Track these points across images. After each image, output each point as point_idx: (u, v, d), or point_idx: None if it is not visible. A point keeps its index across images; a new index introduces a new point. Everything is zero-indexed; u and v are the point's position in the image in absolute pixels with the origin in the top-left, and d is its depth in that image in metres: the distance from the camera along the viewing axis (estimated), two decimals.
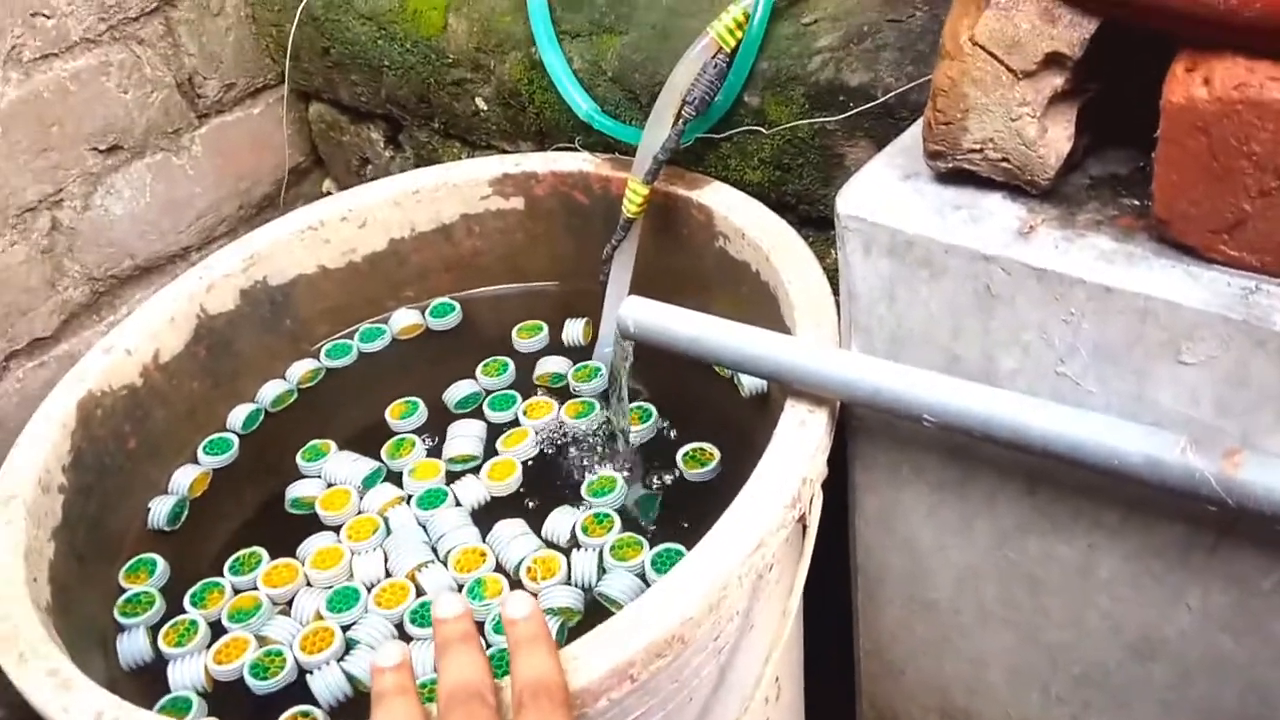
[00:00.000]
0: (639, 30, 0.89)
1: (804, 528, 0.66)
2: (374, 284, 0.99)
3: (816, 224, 0.86)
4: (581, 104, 0.91)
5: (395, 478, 0.84)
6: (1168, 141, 0.52)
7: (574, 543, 0.76)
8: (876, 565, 0.78)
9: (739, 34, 0.80)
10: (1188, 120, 0.50)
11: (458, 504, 0.80)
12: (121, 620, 0.75)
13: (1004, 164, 0.58)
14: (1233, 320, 0.52)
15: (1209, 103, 0.49)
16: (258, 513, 0.85)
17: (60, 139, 1.00)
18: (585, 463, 0.83)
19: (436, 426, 0.88)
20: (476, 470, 0.83)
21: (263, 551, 0.79)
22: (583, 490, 0.80)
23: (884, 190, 0.63)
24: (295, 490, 0.84)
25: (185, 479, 0.86)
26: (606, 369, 0.90)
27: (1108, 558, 0.65)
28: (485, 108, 1.01)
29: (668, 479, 0.81)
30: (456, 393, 0.90)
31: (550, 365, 0.92)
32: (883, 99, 0.76)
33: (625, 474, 0.80)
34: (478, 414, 0.88)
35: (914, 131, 0.67)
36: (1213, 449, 0.53)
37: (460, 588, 0.74)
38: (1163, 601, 0.64)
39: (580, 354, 0.93)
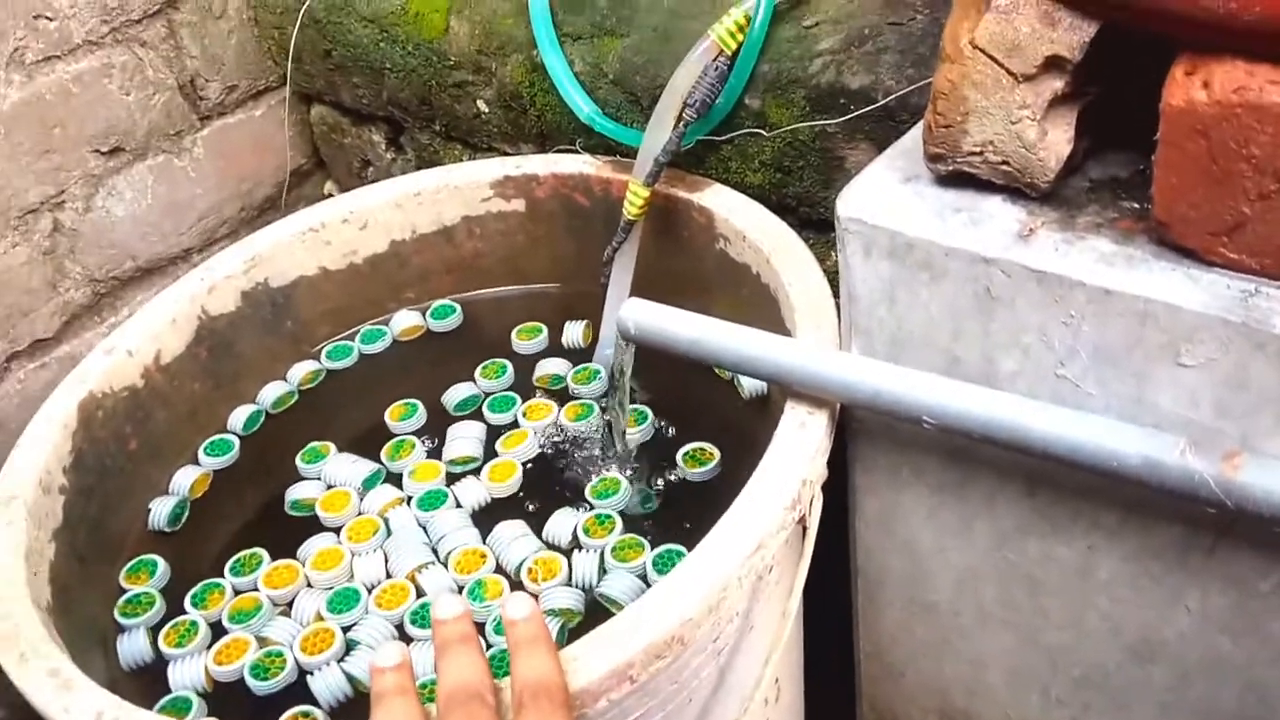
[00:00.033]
0: (640, 33, 0.89)
1: (804, 529, 0.66)
2: (375, 286, 0.99)
3: (817, 226, 0.86)
4: (583, 106, 0.91)
5: (395, 479, 0.84)
6: (1167, 145, 0.52)
7: (575, 544, 0.76)
8: (876, 567, 0.78)
9: (740, 37, 0.80)
10: (1187, 123, 0.50)
11: (458, 505, 0.81)
12: (122, 621, 0.76)
13: (1004, 167, 0.58)
14: (1232, 323, 0.52)
15: (1208, 106, 0.49)
16: (258, 514, 0.85)
17: (62, 141, 1.00)
18: (585, 465, 0.83)
19: (436, 428, 0.88)
20: (477, 472, 0.83)
21: (263, 552, 0.79)
22: (586, 492, 0.80)
23: (884, 193, 0.63)
24: (295, 492, 0.84)
25: (186, 480, 0.86)
26: (607, 371, 0.90)
27: (1107, 559, 0.65)
28: (486, 110, 1.01)
29: (668, 480, 0.81)
30: (455, 395, 0.90)
31: (550, 367, 0.92)
32: (883, 102, 0.76)
33: (628, 476, 0.81)
34: (477, 416, 0.88)
35: (914, 134, 0.67)
36: (1212, 451, 0.53)
37: (460, 589, 0.74)
38: (1162, 603, 0.64)
39: (580, 356, 0.93)
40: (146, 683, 0.72)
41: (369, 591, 0.75)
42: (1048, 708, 0.76)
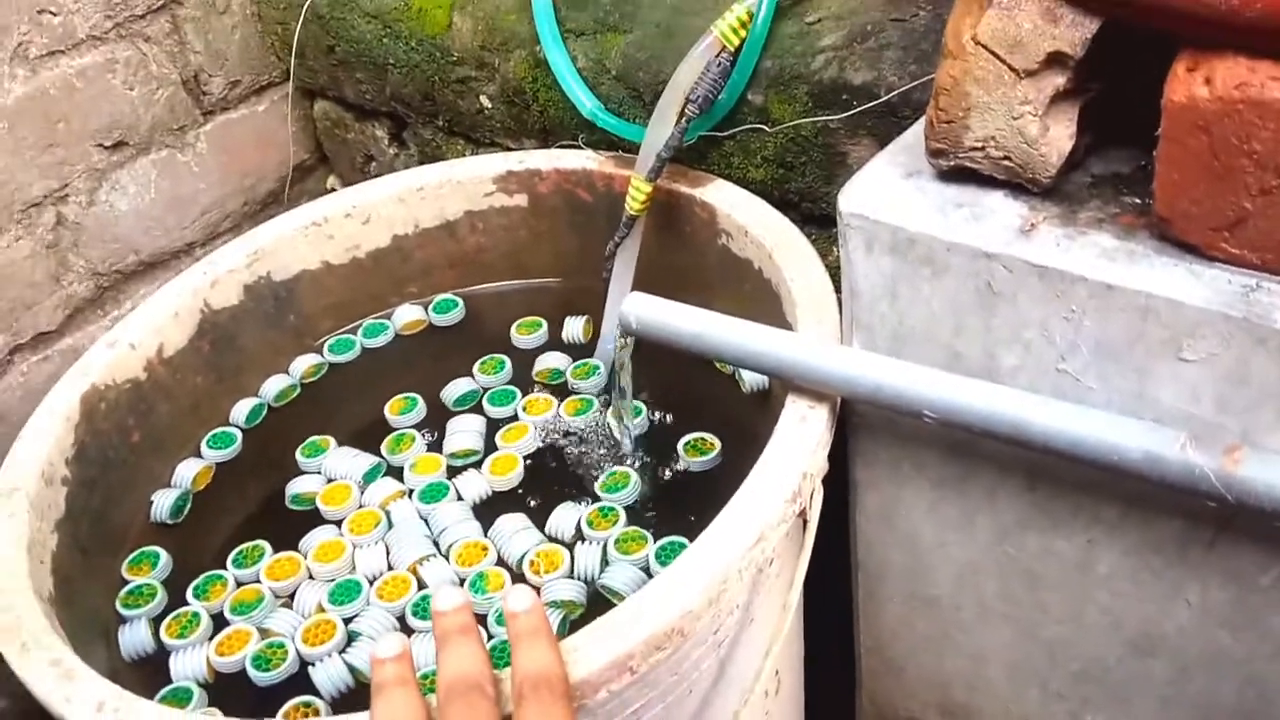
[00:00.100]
0: (643, 29, 0.89)
1: (804, 523, 0.66)
2: (378, 280, 0.99)
3: (819, 222, 0.86)
4: (585, 102, 0.91)
5: (396, 473, 0.84)
6: (1169, 140, 0.52)
7: (578, 537, 0.76)
8: (877, 561, 0.78)
9: (743, 33, 0.80)
10: (1189, 119, 0.51)
11: (459, 498, 0.81)
12: (123, 612, 0.76)
13: (1006, 162, 0.58)
14: (1233, 318, 0.52)
15: (1210, 102, 0.49)
16: (260, 507, 0.85)
17: (66, 135, 1.00)
18: (586, 459, 0.83)
19: (436, 422, 0.88)
20: (478, 465, 0.83)
21: (265, 545, 0.79)
22: (596, 487, 0.80)
23: (886, 188, 0.63)
24: (295, 486, 0.84)
25: (188, 472, 0.86)
26: (607, 366, 0.90)
27: (1107, 554, 0.65)
28: (489, 105, 1.01)
29: (672, 471, 0.81)
30: (454, 390, 0.90)
31: (549, 361, 0.92)
32: (885, 98, 0.76)
33: (636, 469, 0.81)
34: (477, 410, 0.89)
35: (916, 130, 0.67)
36: (1213, 446, 0.53)
37: (462, 581, 0.74)
38: (1161, 597, 0.64)
39: (580, 351, 0.93)
40: (148, 673, 0.73)
41: (370, 583, 0.75)
42: (1047, 702, 0.76)
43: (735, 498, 0.63)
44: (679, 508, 0.78)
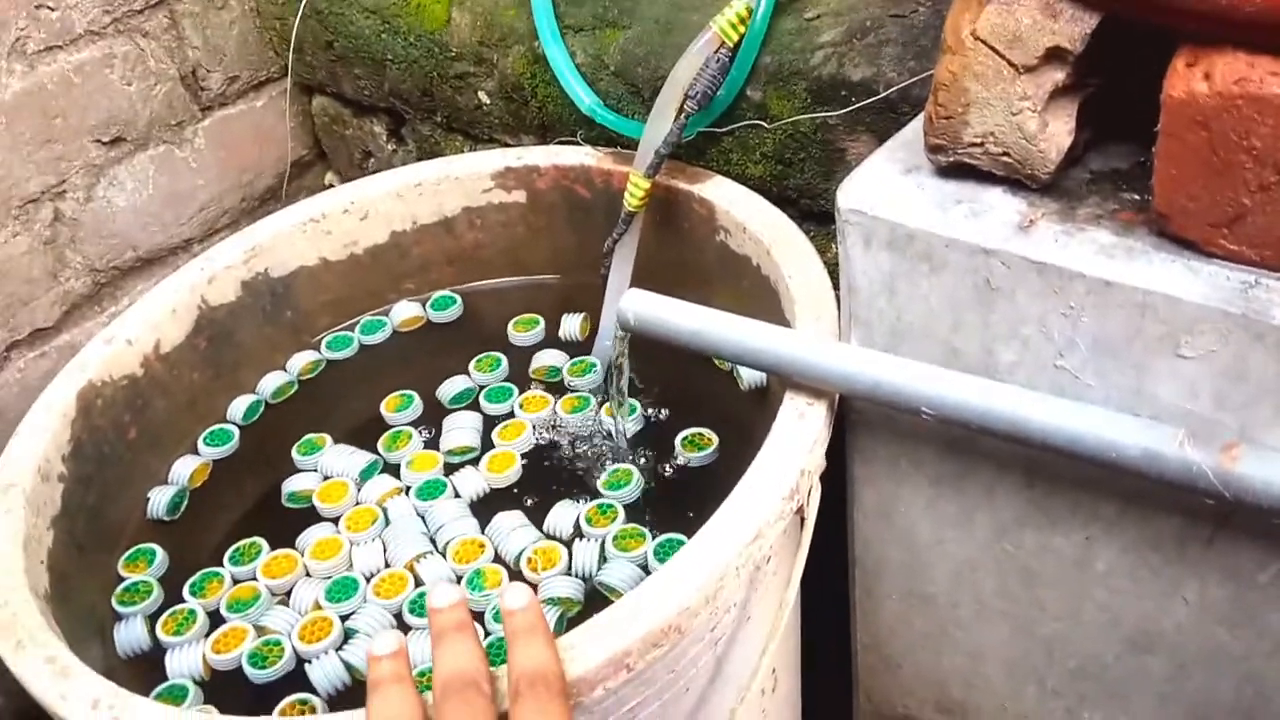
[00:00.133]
0: (642, 25, 0.89)
1: (802, 520, 0.66)
2: (375, 276, 0.99)
3: (818, 218, 0.86)
4: (584, 98, 0.91)
5: (392, 470, 0.84)
6: (1168, 136, 0.52)
7: (576, 535, 0.76)
8: (874, 558, 0.78)
9: (742, 29, 0.80)
10: (1188, 115, 0.50)
11: (456, 495, 0.81)
12: (119, 609, 0.76)
13: (1004, 158, 0.58)
14: (1232, 314, 0.52)
15: (1209, 97, 0.49)
16: (257, 504, 0.85)
17: (63, 130, 1.00)
18: (583, 456, 0.83)
19: (432, 420, 0.88)
20: (475, 462, 0.83)
21: (262, 542, 0.79)
22: (598, 484, 0.80)
23: (885, 184, 0.63)
24: (291, 484, 0.84)
25: (185, 469, 0.86)
26: (604, 363, 0.90)
27: (1105, 551, 0.65)
28: (488, 101, 1.01)
29: (670, 468, 0.81)
30: (451, 388, 0.90)
31: (546, 359, 0.92)
32: (885, 94, 0.76)
33: (640, 466, 0.80)
34: (474, 407, 0.89)
35: (915, 126, 0.67)
36: (1211, 442, 0.53)
37: (459, 579, 0.74)
38: (1159, 594, 0.64)
39: (577, 349, 0.93)
40: (143, 670, 0.72)
41: (367, 581, 0.75)
42: (1044, 699, 0.76)
43: (733, 495, 0.63)
44: (678, 505, 0.78)
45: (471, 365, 0.92)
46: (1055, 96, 0.56)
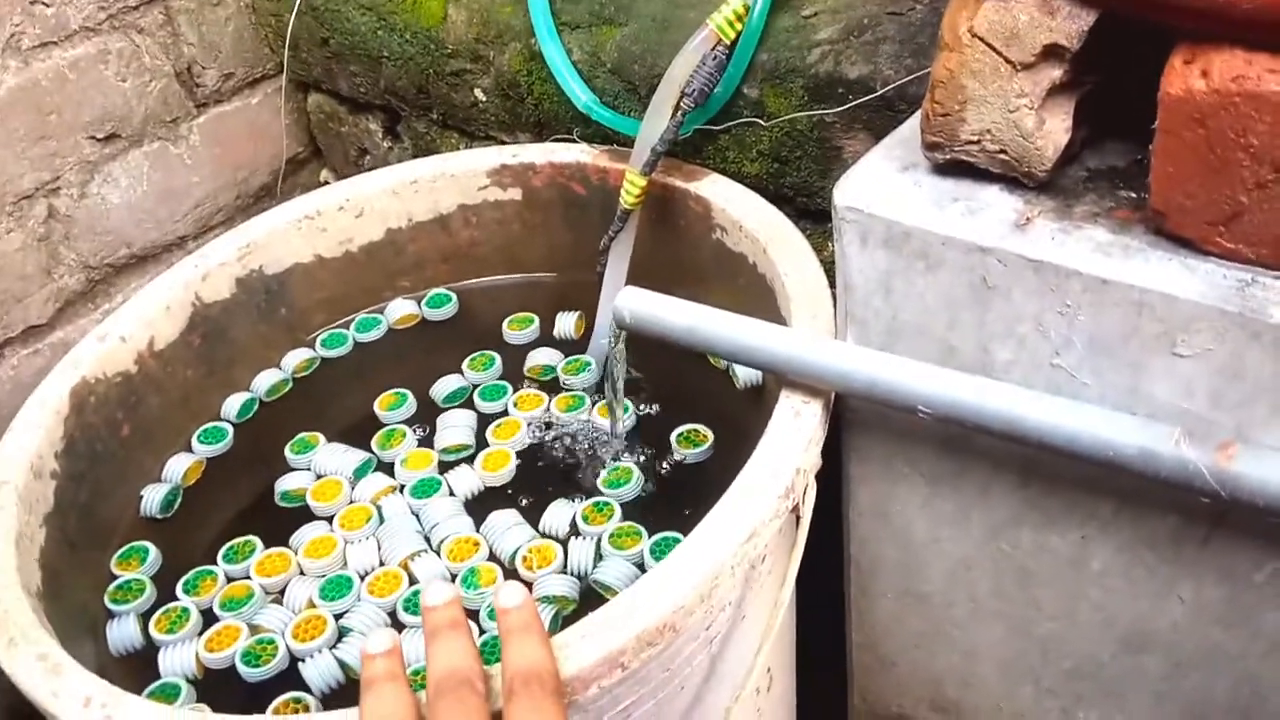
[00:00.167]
0: (638, 22, 0.89)
1: (797, 518, 0.66)
2: (370, 274, 0.99)
3: (814, 216, 0.86)
4: (580, 95, 0.91)
5: (386, 468, 0.84)
6: (1165, 133, 0.51)
7: (572, 533, 0.76)
8: (870, 558, 0.78)
9: (739, 26, 0.80)
10: (1185, 112, 0.50)
11: (451, 494, 0.80)
12: (112, 607, 0.75)
13: (1001, 156, 0.58)
14: (1228, 313, 0.52)
15: (1207, 95, 0.49)
16: (251, 502, 0.84)
17: (58, 127, 1.00)
18: (578, 455, 0.83)
19: (426, 418, 0.88)
20: (470, 460, 0.83)
21: (256, 540, 0.79)
22: (599, 482, 0.79)
23: (881, 182, 0.63)
24: (285, 483, 0.83)
25: (179, 467, 0.86)
26: (600, 361, 0.89)
27: (1100, 550, 0.65)
28: (484, 99, 1.01)
29: (667, 466, 0.81)
30: (444, 388, 0.90)
31: (541, 358, 0.91)
32: (882, 92, 0.76)
33: (637, 464, 0.80)
34: (468, 405, 0.88)
35: (912, 124, 0.67)
36: (1207, 441, 0.53)
37: (453, 577, 0.74)
38: (1155, 594, 0.64)
39: (571, 347, 0.93)
40: (136, 668, 0.72)
41: (362, 579, 0.75)
42: (1040, 698, 0.76)
43: (728, 493, 0.62)
44: (675, 503, 0.77)
45: (465, 364, 0.92)
46: (1052, 94, 0.56)
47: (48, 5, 0.96)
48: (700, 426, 0.82)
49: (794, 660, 0.84)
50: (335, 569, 0.76)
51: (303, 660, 0.70)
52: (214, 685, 0.71)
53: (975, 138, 0.58)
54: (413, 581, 0.74)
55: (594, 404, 0.86)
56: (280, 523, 0.80)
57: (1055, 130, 0.57)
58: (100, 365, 0.83)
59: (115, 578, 0.77)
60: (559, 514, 0.77)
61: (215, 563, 0.78)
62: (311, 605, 0.74)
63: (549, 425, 0.86)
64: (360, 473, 0.83)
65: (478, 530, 0.77)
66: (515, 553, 0.74)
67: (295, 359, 0.95)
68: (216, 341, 0.92)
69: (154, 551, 0.79)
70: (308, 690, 0.69)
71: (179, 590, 0.76)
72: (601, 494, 0.78)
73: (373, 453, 0.85)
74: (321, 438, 0.87)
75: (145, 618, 0.75)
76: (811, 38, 0.80)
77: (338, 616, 0.73)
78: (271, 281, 0.94)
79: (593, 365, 0.90)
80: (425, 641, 0.55)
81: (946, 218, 0.59)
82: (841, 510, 0.78)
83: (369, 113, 1.16)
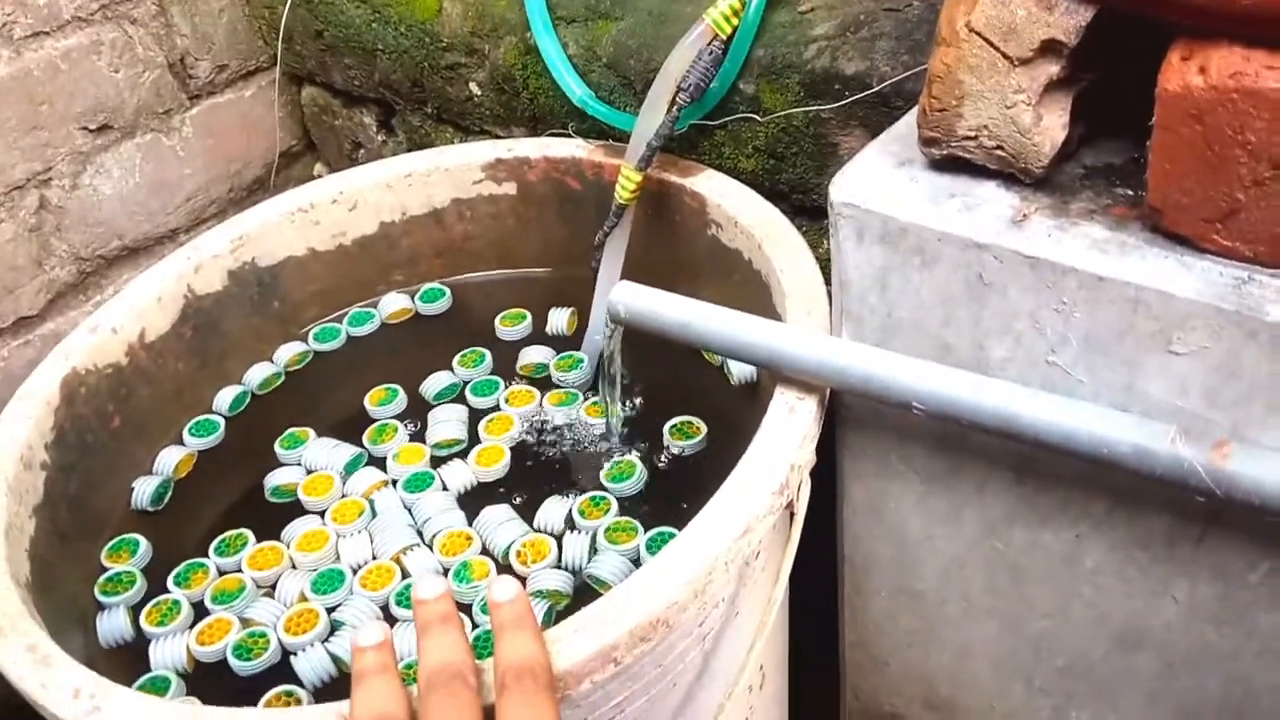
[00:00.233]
0: (635, 16, 0.88)
1: (791, 515, 0.66)
2: (364, 267, 0.98)
3: (810, 213, 0.86)
4: (576, 90, 0.91)
5: (378, 463, 0.83)
6: (1162, 129, 0.51)
7: (566, 529, 0.76)
8: (863, 555, 0.78)
9: (735, 21, 0.79)
10: (1183, 108, 0.50)
11: (444, 488, 0.80)
12: (102, 599, 0.75)
13: (998, 151, 0.58)
14: (1225, 310, 0.51)
15: (1204, 91, 0.49)
16: (243, 496, 0.84)
17: (50, 117, 0.99)
18: (571, 450, 0.83)
19: (416, 414, 0.87)
20: (463, 455, 0.82)
21: (249, 533, 0.79)
22: (601, 476, 0.79)
23: (878, 177, 0.62)
24: (275, 479, 0.83)
25: (170, 460, 0.85)
26: (593, 357, 0.89)
27: (1094, 548, 0.65)
28: (479, 92, 1.00)
29: (663, 459, 0.80)
30: (434, 385, 0.89)
31: (533, 355, 0.91)
32: (878, 88, 0.75)
33: (639, 458, 0.80)
34: (459, 401, 0.88)
35: (909, 120, 0.66)
36: (1202, 440, 0.53)
37: (446, 571, 0.74)
38: (1148, 593, 0.64)
39: (563, 344, 0.92)
40: (126, 661, 0.72)
41: (354, 573, 0.75)
42: (1032, 697, 0.76)
43: (722, 489, 0.62)
44: (671, 499, 0.77)
45: (455, 361, 0.91)
46: (1050, 90, 0.56)
47: None
48: (693, 418, 0.81)
49: (787, 658, 0.84)
50: (327, 563, 0.76)
51: (295, 654, 0.70)
52: (204, 679, 0.71)
53: (972, 133, 0.58)
54: (405, 575, 0.74)
55: (585, 400, 0.86)
56: (272, 516, 0.80)
57: (1052, 126, 0.57)
58: (91, 356, 0.82)
59: (105, 570, 0.77)
60: (553, 510, 0.77)
61: (207, 556, 0.77)
62: (303, 599, 0.74)
63: (542, 421, 0.85)
64: (351, 467, 0.83)
65: (470, 525, 0.77)
66: (509, 548, 0.74)
67: (288, 352, 0.95)
68: (208, 334, 0.91)
69: (144, 544, 0.79)
70: (300, 684, 0.69)
71: (170, 583, 0.76)
72: (604, 488, 0.78)
73: (364, 448, 0.84)
74: (311, 433, 0.86)
75: (135, 610, 0.74)
76: (808, 33, 0.79)
77: (330, 610, 0.72)
78: (264, 274, 0.94)
79: (585, 362, 0.89)
80: (417, 635, 0.54)
81: (943, 213, 0.59)
82: (835, 508, 0.78)
83: (363, 106, 1.15)
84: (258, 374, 0.93)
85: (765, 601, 0.67)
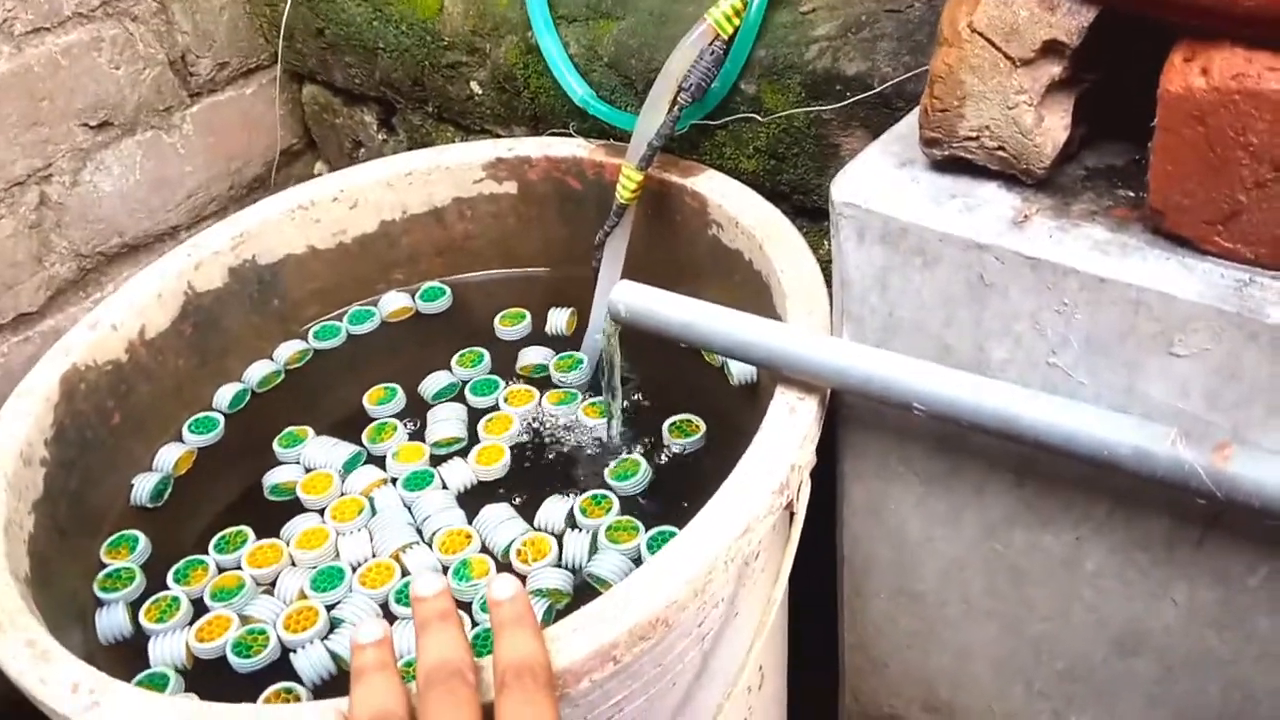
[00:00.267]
0: (636, 16, 0.88)
1: (791, 515, 0.66)
2: (364, 266, 0.98)
3: (810, 214, 0.86)
4: (577, 89, 0.91)
5: (377, 462, 0.83)
6: (1164, 131, 0.51)
7: (567, 528, 0.76)
8: (863, 556, 0.78)
9: (736, 21, 0.79)
10: (1185, 110, 0.50)
11: (444, 487, 0.80)
12: (101, 595, 0.75)
13: (1000, 152, 0.58)
14: (1226, 312, 0.51)
15: (1206, 92, 0.49)
16: (242, 493, 0.84)
17: (50, 114, 0.99)
18: (571, 450, 0.83)
19: (415, 413, 0.87)
20: (463, 453, 0.82)
21: (248, 530, 0.79)
22: (606, 474, 0.79)
23: (879, 177, 0.62)
24: (274, 477, 0.83)
25: (170, 457, 0.85)
26: (593, 357, 0.89)
27: (1094, 551, 0.65)
28: (480, 91, 1.00)
29: (664, 458, 0.80)
30: (433, 384, 0.89)
31: (532, 355, 0.91)
32: (879, 88, 0.75)
33: (643, 457, 0.80)
34: (458, 400, 0.88)
35: (910, 120, 0.66)
36: (1203, 442, 0.53)
37: (445, 569, 0.74)
38: (1148, 595, 0.64)
39: (563, 344, 0.92)
40: (125, 657, 0.72)
41: (354, 570, 0.75)
42: (1031, 700, 0.76)
43: (722, 489, 0.62)
44: (672, 498, 0.77)
45: (454, 361, 0.91)
46: (1051, 91, 0.56)
47: None
48: (692, 416, 0.81)
49: (786, 659, 0.84)
50: (327, 560, 0.76)
51: (294, 651, 0.70)
52: (203, 675, 0.71)
53: (974, 134, 0.58)
54: (405, 573, 0.74)
55: (584, 400, 0.86)
56: (271, 514, 0.80)
57: (1054, 127, 0.57)
58: (91, 353, 0.82)
59: (105, 566, 0.77)
60: (554, 510, 0.77)
61: (206, 552, 0.77)
62: (303, 596, 0.74)
63: (541, 421, 0.85)
64: (350, 466, 0.83)
65: (470, 524, 0.76)
66: (509, 547, 0.74)
67: (288, 350, 0.95)
68: (208, 331, 0.91)
69: (144, 540, 0.78)
70: (299, 681, 0.69)
71: (169, 579, 0.76)
72: (608, 486, 0.78)
73: (363, 446, 0.84)
74: (310, 431, 0.86)
75: (135, 606, 0.74)
76: (809, 34, 0.79)
77: (329, 607, 0.72)
78: (264, 272, 0.94)
79: (585, 362, 0.89)
80: (416, 633, 0.54)
81: (944, 214, 0.59)
82: (835, 508, 0.77)
83: (364, 105, 1.15)
84: (257, 371, 0.93)
85: (764, 601, 0.67)
